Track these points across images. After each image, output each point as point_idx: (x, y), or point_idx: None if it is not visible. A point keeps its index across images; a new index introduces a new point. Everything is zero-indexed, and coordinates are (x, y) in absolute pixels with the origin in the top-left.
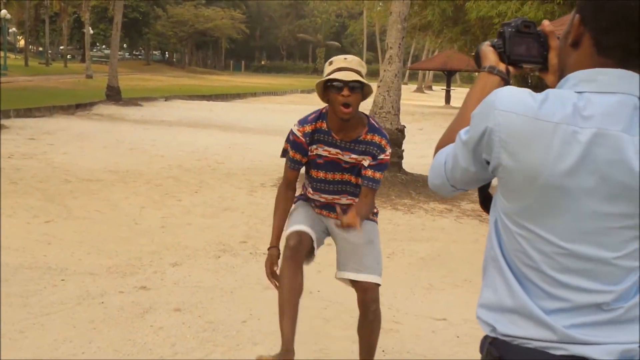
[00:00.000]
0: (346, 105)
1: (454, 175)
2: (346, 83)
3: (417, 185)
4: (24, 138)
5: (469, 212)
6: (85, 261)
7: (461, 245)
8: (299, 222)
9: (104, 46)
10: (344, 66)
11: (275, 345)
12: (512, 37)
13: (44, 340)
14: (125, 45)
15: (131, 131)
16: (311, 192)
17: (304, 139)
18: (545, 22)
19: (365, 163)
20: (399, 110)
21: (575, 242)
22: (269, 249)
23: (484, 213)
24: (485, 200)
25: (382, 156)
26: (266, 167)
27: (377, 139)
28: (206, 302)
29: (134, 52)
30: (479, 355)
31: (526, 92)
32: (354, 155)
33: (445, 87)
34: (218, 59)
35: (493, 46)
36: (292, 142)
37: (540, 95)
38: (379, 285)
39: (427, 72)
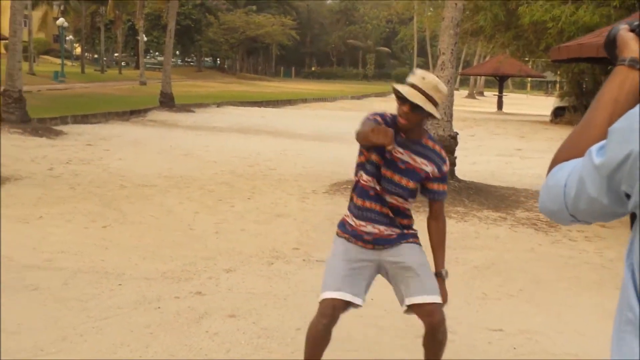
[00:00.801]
0: (403, 118)
1: (576, 204)
2: (408, 101)
3: (470, 193)
4: (82, 144)
5: (524, 220)
6: (141, 266)
7: (516, 254)
8: (336, 282)
9: (157, 53)
10: (418, 85)
11: (328, 353)
12: None
13: (102, 344)
14: (177, 52)
15: (184, 137)
16: (359, 201)
17: (381, 118)
18: None
19: (428, 169)
20: (451, 116)
21: None
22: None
23: (540, 221)
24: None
25: (444, 167)
26: (318, 173)
27: (437, 148)
28: (260, 308)
29: (186, 59)
30: None
31: None
32: (414, 156)
33: (497, 93)
34: (269, 65)
35: (634, 30)
36: (373, 119)
37: None
38: (441, 305)
39: (479, 77)
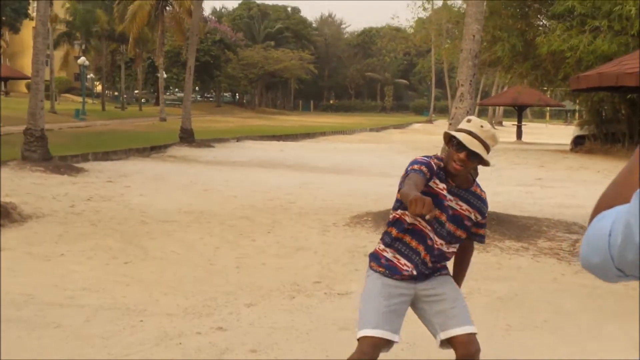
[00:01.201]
0: (459, 165)
1: (624, 254)
2: (468, 149)
3: (491, 223)
4: (102, 181)
5: (546, 250)
6: (162, 302)
7: (539, 285)
8: (376, 320)
9: (177, 89)
10: (477, 134)
11: None
12: None
13: None
14: (197, 87)
15: (204, 172)
16: (404, 237)
17: (429, 172)
18: None
19: (472, 216)
20: None
21: None
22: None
23: (562, 251)
24: None
25: (486, 211)
26: (338, 206)
27: (484, 195)
28: (282, 343)
29: (205, 95)
30: None
31: None
32: (461, 202)
33: (516, 123)
34: (287, 99)
35: None
36: (421, 162)
37: None
38: (476, 334)
39: (498, 107)
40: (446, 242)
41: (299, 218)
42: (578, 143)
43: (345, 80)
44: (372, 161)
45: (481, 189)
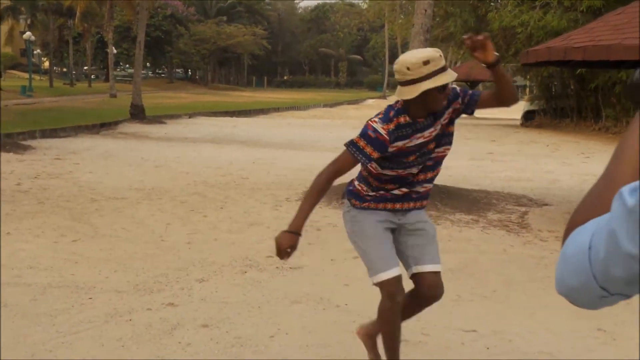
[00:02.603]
0: (444, 99)
1: (608, 269)
2: (446, 84)
3: (442, 197)
4: (50, 158)
5: (496, 222)
6: (112, 279)
7: (489, 256)
8: (391, 260)
9: (127, 65)
10: (443, 65)
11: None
12: None
13: (73, 359)
14: (148, 64)
15: (156, 149)
16: (392, 185)
17: (387, 137)
18: None
19: (448, 114)
20: None
21: None
22: (289, 232)
23: (511, 223)
24: None
25: (457, 91)
26: (290, 181)
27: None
28: (233, 317)
29: (157, 71)
30: None
31: None
32: (440, 120)
33: None
34: (240, 75)
35: None
36: (372, 139)
37: None
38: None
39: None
40: (432, 169)
41: (251, 193)
42: (528, 118)
43: (299, 56)
44: (325, 136)
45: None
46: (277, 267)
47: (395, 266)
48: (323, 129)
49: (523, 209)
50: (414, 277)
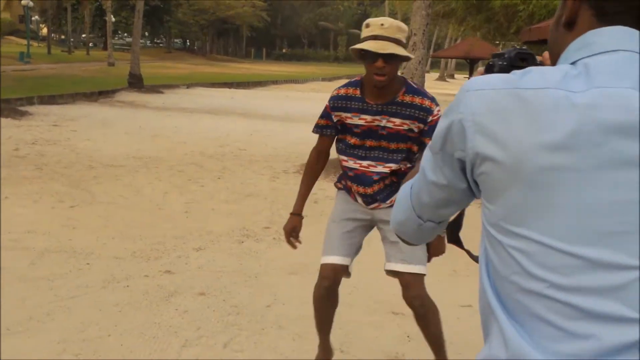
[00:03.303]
0: (380, 75)
1: (420, 199)
2: (381, 54)
3: None
4: (48, 124)
5: None
6: (109, 245)
7: None
8: (335, 248)
9: (125, 34)
10: (380, 34)
11: (300, 330)
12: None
13: (70, 323)
14: (146, 33)
15: (153, 118)
16: (345, 159)
17: (329, 104)
18: (546, 55)
19: (414, 128)
20: None
21: (586, 245)
22: (290, 214)
23: None
24: (455, 231)
25: (430, 118)
26: (288, 153)
27: (417, 100)
28: (230, 286)
29: (155, 40)
30: None
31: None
32: (393, 119)
33: (467, 76)
34: (239, 47)
35: (491, 66)
36: (323, 110)
37: (521, 71)
38: (423, 276)
39: (450, 60)
40: (392, 162)
41: (249, 165)
42: None
43: (298, 29)
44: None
45: (414, 94)
46: (273, 238)
47: (335, 254)
48: (321, 103)
49: None
50: (391, 273)
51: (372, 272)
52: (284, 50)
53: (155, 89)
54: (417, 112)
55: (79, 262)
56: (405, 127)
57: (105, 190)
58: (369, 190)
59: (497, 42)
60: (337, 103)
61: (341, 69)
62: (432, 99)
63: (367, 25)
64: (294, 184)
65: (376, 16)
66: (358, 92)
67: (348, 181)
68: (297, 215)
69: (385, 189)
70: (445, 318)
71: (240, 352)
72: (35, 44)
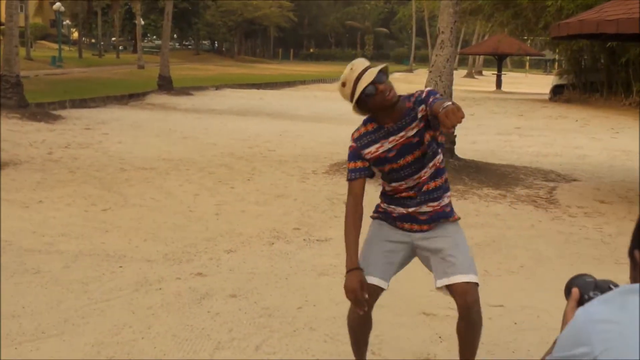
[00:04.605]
0: (388, 94)
1: None
2: (373, 82)
3: (469, 171)
4: (80, 128)
5: (524, 197)
6: (142, 248)
7: (516, 232)
8: (370, 269)
9: (155, 37)
10: (358, 74)
11: (331, 332)
12: None
13: (104, 326)
14: (175, 35)
15: (183, 120)
16: (393, 184)
17: (355, 144)
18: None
19: (418, 124)
20: (451, 95)
21: None
22: (349, 271)
23: (539, 198)
24: None
25: (423, 91)
26: (317, 154)
27: (409, 104)
28: (261, 288)
29: (184, 42)
30: (536, 342)
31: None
32: (409, 129)
33: (496, 72)
34: (267, 47)
35: (582, 298)
36: (349, 154)
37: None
38: (477, 284)
39: (478, 57)
40: (430, 164)
41: (278, 166)
42: (557, 92)
43: (325, 29)
44: (351, 110)
45: (407, 101)
46: (304, 240)
47: (371, 275)
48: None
49: (551, 184)
50: (444, 290)
51: (402, 273)
52: (311, 50)
53: (185, 91)
54: (416, 108)
55: (112, 265)
56: (418, 130)
57: (137, 192)
58: (424, 189)
59: (525, 37)
60: (362, 141)
61: None
62: (418, 92)
63: (344, 84)
64: (324, 184)
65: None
66: (374, 125)
67: (391, 205)
68: (357, 270)
69: (437, 189)
70: None
71: (272, 354)
72: (66, 48)
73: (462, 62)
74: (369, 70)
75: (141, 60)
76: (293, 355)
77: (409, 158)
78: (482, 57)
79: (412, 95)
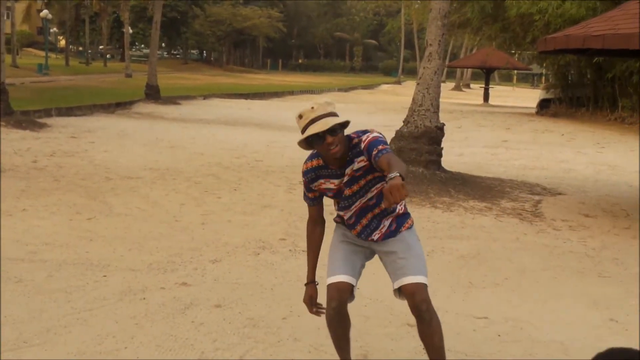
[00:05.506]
0: (334, 148)
1: None
2: (325, 131)
3: (456, 184)
4: (66, 136)
5: (509, 210)
6: (126, 257)
7: (501, 244)
8: (338, 268)
9: (142, 45)
10: (315, 116)
11: (316, 342)
12: None
13: (87, 335)
14: (163, 44)
15: (170, 129)
16: (340, 213)
17: (304, 178)
18: None
19: (363, 163)
20: (438, 107)
21: None
22: (305, 285)
23: (524, 211)
24: None
25: (364, 138)
26: None
27: (355, 140)
28: (246, 298)
29: (172, 52)
30: (519, 354)
31: None
32: (348, 169)
33: (483, 85)
34: (255, 57)
35: None
36: (303, 183)
37: None
38: (424, 285)
39: (465, 70)
40: (365, 197)
41: (265, 176)
42: (544, 106)
43: (314, 40)
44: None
45: (355, 138)
46: (289, 250)
47: (339, 273)
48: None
49: (537, 197)
50: (398, 293)
51: (387, 285)
52: (300, 61)
53: (172, 100)
54: (359, 151)
55: (96, 274)
56: (356, 167)
57: (123, 202)
58: (362, 224)
59: (513, 51)
60: (309, 176)
61: (357, 80)
62: (361, 133)
63: (301, 117)
64: None
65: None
66: (321, 161)
67: (346, 220)
68: (311, 284)
69: (376, 217)
70: (461, 329)
71: None
72: (53, 55)
73: (450, 75)
74: (325, 120)
75: (129, 69)
76: None
77: (347, 192)
78: (470, 70)
79: (357, 135)
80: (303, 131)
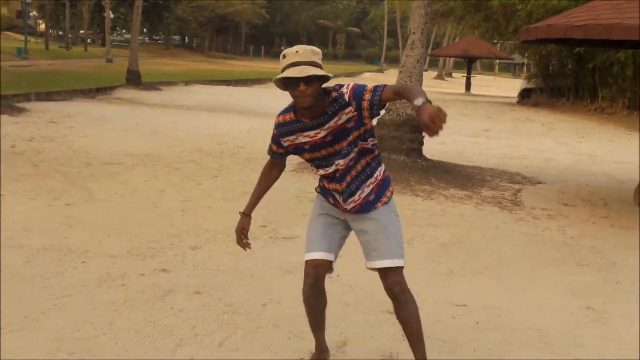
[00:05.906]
0: (304, 97)
1: None
2: (301, 77)
3: (437, 172)
4: (45, 121)
5: (489, 198)
6: (105, 243)
7: (481, 232)
8: (315, 244)
9: (124, 30)
10: (297, 60)
11: (295, 329)
12: None
13: (65, 321)
14: (145, 29)
15: (151, 115)
16: (314, 170)
17: (276, 131)
18: None
19: (348, 115)
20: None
21: None
22: (240, 214)
23: (504, 200)
24: None
25: (347, 96)
26: None
27: (334, 94)
28: (226, 285)
29: (153, 37)
30: (498, 341)
31: None
32: (328, 125)
33: (465, 74)
34: (238, 44)
35: None
36: (272, 136)
37: None
38: (400, 267)
39: (448, 59)
40: (347, 157)
41: (246, 163)
42: (525, 96)
43: (297, 27)
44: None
45: (335, 91)
46: (270, 237)
47: (316, 250)
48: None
49: (517, 186)
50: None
51: (367, 272)
52: (282, 48)
53: (154, 86)
54: (341, 102)
55: (75, 260)
56: (340, 122)
57: (102, 187)
58: (342, 186)
59: (495, 41)
60: (281, 130)
61: (340, 67)
62: (339, 87)
63: (284, 56)
64: (291, 182)
65: (375, 15)
66: (292, 115)
67: (324, 180)
68: (245, 216)
69: (355, 179)
70: (440, 316)
71: (235, 351)
72: (32, 39)
73: (433, 64)
74: (305, 67)
75: (109, 54)
76: (256, 352)
77: (323, 152)
78: (452, 59)
79: (335, 89)
80: (282, 71)
